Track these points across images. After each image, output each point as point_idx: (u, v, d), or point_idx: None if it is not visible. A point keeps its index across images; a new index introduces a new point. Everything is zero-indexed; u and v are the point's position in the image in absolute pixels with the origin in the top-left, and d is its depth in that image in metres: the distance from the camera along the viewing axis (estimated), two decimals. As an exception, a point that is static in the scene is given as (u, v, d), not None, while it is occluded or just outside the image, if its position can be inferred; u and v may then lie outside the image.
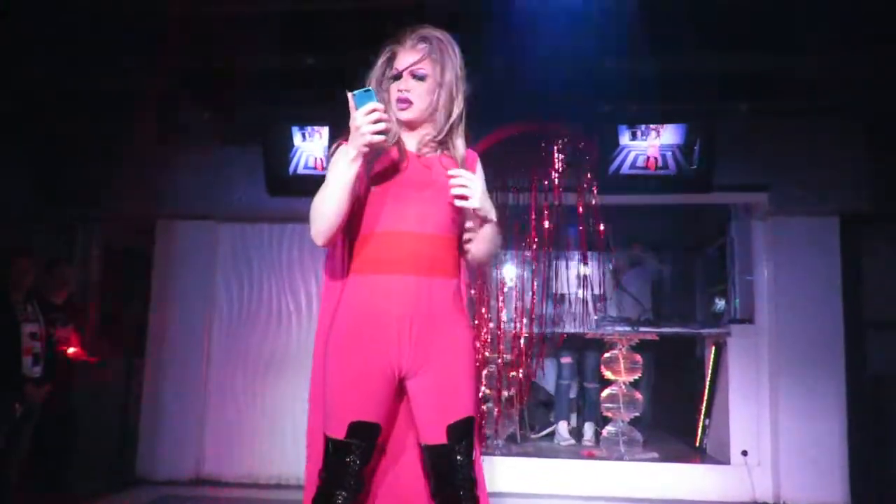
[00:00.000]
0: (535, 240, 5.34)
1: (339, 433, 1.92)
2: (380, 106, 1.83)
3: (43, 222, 5.44)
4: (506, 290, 5.59)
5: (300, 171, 5.24)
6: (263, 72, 4.87)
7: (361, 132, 1.82)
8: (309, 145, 5.26)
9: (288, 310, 5.52)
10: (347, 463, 1.92)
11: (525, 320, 5.39)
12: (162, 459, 5.38)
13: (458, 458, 1.96)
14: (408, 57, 2.02)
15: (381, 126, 1.83)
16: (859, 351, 5.06)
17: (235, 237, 5.67)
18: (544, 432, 6.39)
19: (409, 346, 1.95)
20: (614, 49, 4.36)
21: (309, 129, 5.25)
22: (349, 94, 1.84)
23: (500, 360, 5.48)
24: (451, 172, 1.95)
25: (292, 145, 5.27)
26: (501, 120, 4.93)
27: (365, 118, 1.81)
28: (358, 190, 1.97)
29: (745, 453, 5.15)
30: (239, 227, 5.66)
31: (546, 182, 5.24)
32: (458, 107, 2.06)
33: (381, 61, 2.07)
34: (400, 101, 2.02)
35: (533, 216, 5.30)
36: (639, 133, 5.06)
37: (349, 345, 1.96)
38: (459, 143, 2.08)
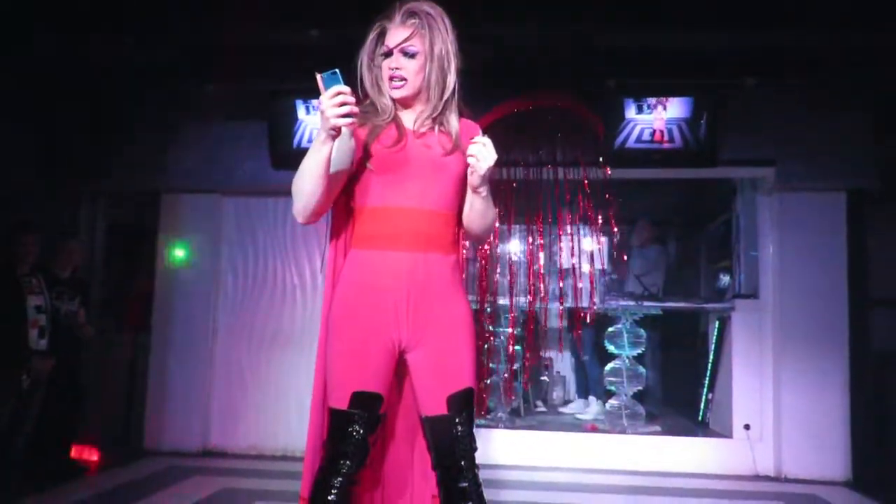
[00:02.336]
0: (540, 214, 5.34)
1: (343, 404, 1.95)
2: (345, 89, 1.81)
3: (48, 197, 5.44)
4: (512, 264, 5.58)
5: (304, 144, 5.24)
6: (267, 45, 4.84)
7: (327, 115, 1.81)
8: (313, 118, 5.25)
9: (293, 283, 5.54)
10: (351, 433, 1.94)
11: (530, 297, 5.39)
12: (169, 432, 5.44)
13: (459, 428, 1.98)
14: (398, 34, 2.00)
15: (346, 109, 1.81)
16: (863, 327, 5.05)
17: (240, 211, 5.68)
18: (565, 409, 6.44)
19: (407, 320, 1.98)
20: (621, 21, 4.32)
21: (313, 102, 5.23)
22: (317, 76, 1.83)
23: (506, 334, 5.50)
24: (474, 140, 1.96)
25: (296, 118, 5.27)
26: (505, 94, 4.90)
27: (330, 101, 1.80)
28: (351, 168, 1.99)
29: (747, 427, 5.18)
30: (243, 201, 5.67)
31: (551, 156, 5.22)
32: (451, 82, 2.05)
33: (371, 38, 2.06)
34: (392, 78, 2.02)
35: (538, 190, 5.29)
36: (645, 107, 5.03)
37: (349, 318, 1.99)
38: (453, 119, 2.07)
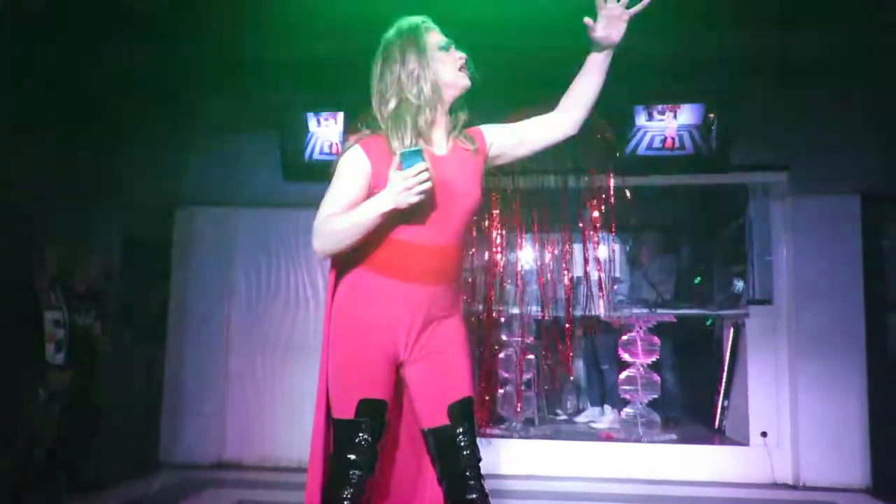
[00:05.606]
0: (552, 222, 5.33)
1: (349, 413, 1.96)
2: (428, 166, 1.84)
3: (64, 209, 5.48)
4: (522, 273, 5.57)
5: (316, 156, 5.29)
6: (279, 58, 4.87)
7: (412, 192, 1.83)
8: (324, 131, 5.30)
9: (305, 294, 5.55)
10: (359, 442, 1.95)
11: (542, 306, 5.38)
12: (184, 444, 5.45)
13: (461, 438, 1.99)
14: (441, 34, 2.08)
15: (429, 185, 1.84)
16: (880, 332, 5.00)
17: (253, 223, 5.70)
18: (579, 418, 6.42)
19: (408, 340, 2.01)
20: (630, 28, 4.31)
21: (324, 115, 5.28)
22: (398, 153, 1.86)
23: (519, 343, 5.49)
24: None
25: (307, 131, 5.30)
26: (514, 104, 4.90)
27: (416, 179, 1.82)
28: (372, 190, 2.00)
29: (764, 434, 5.13)
30: (257, 213, 5.69)
31: (562, 164, 5.22)
32: None
33: (419, 28, 2.05)
34: (465, 67, 2.05)
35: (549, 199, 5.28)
36: (655, 114, 5.02)
37: (352, 333, 2.00)
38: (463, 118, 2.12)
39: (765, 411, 5.20)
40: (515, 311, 5.44)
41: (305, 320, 5.51)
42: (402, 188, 1.82)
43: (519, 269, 5.54)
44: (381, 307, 1.99)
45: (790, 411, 5.11)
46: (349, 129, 5.12)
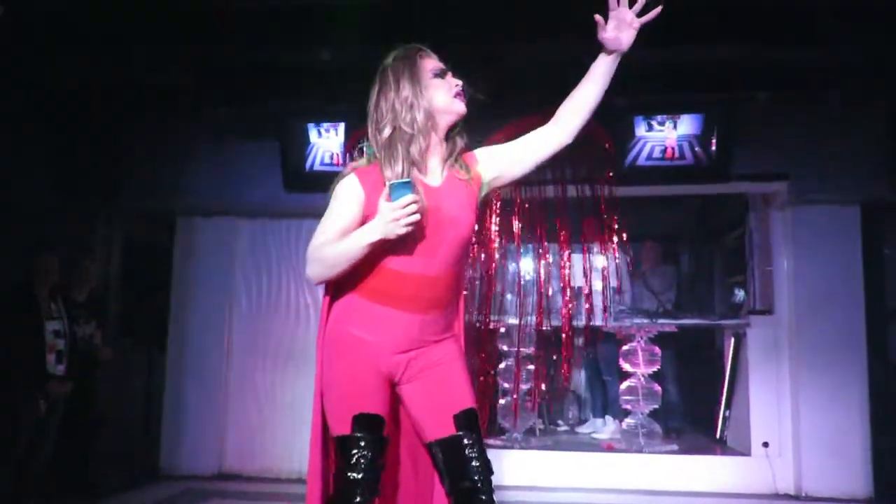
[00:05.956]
0: (552, 233, 5.32)
1: (345, 429, 1.95)
2: (417, 197, 1.85)
3: (64, 218, 5.49)
4: (522, 283, 5.57)
5: (317, 167, 5.30)
6: (280, 68, 4.89)
7: (400, 223, 1.84)
8: (325, 141, 5.31)
9: (306, 304, 5.55)
10: (359, 459, 1.93)
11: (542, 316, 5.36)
12: (185, 454, 5.44)
13: (469, 448, 1.96)
14: (438, 61, 2.07)
15: (417, 217, 1.85)
16: (881, 340, 5.00)
17: (254, 232, 5.72)
18: (581, 429, 6.40)
19: (400, 363, 2.02)
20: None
21: (325, 125, 5.29)
22: (388, 184, 1.87)
23: (518, 354, 5.47)
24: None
25: (308, 141, 5.32)
26: (513, 114, 4.92)
27: (404, 211, 1.83)
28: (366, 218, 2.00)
29: (766, 445, 5.12)
30: (257, 223, 5.71)
31: (560, 174, 5.22)
32: None
33: (415, 56, 2.06)
34: (460, 94, 2.05)
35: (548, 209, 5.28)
36: (655, 124, 5.04)
37: (345, 350, 2.01)
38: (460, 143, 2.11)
39: (766, 421, 5.19)
40: (515, 321, 5.43)
41: (306, 330, 5.50)
42: (391, 219, 1.84)
43: (518, 278, 5.54)
44: (373, 332, 1.99)
45: (792, 421, 5.10)
46: (349, 140, 5.15)
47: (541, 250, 5.39)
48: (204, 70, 4.98)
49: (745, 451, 5.29)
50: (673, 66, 4.73)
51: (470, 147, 2.14)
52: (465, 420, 1.98)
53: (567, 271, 5.37)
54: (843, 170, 5.04)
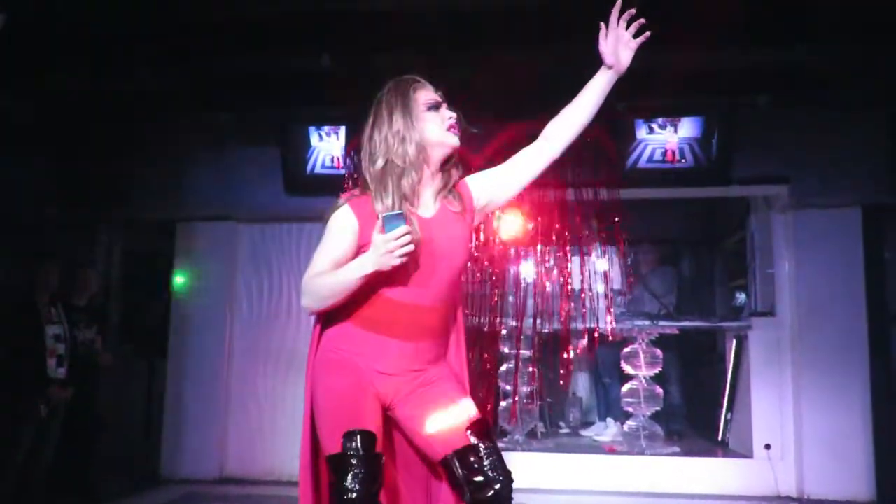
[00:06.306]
0: (553, 236, 5.32)
1: (336, 447, 1.93)
2: (410, 229, 1.87)
3: (65, 225, 5.50)
4: (523, 286, 5.56)
5: (317, 170, 5.29)
6: (280, 73, 4.90)
7: (393, 255, 1.85)
8: (326, 145, 5.31)
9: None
10: (353, 477, 1.88)
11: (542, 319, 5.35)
12: (185, 459, 5.44)
13: (486, 456, 1.96)
14: (435, 92, 2.08)
15: (411, 248, 1.87)
16: (883, 343, 4.99)
17: (254, 237, 5.72)
18: (583, 432, 6.39)
19: (390, 387, 2.03)
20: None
21: (326, 128, 5.29)
22: (380, 216, 1.90)
23: (517, 357, 5.47)
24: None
25: (309, 145, 5.32)
26: (515, 117, 4.92)
27: (397, 242, 1.84)
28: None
29: (767, 447, 5.11)
30: (258, 228, 5.71)
31: (562, 176, 5.21)
32: None
33: (408, 89, 2.06)
34: (453, 126, 2.05)
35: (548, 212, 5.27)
36: (656, 127, 5.04)
37: (335, 370, 2.02)
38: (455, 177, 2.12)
39: (768, 423, 5.18)
40: (515, 323, 5.43)
41: (307, 334, 5.39)
42: (384, 251, 1.85)
43: (520, 281, 5.53)
44: (364, 356, 2.01)
45: (794, 423, 5.10)
46: (350, 143, 5.14)
47: (541, 252, 5.38)
48: (204, 75, 4.98)
49: (746, 454, 5.28)
50: (674, 70, 4.73)
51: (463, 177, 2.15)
52: (478, 429, 1.97)
53: (567, 272, 5.36)
54: (844, 172, 5.04)
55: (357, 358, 2.01)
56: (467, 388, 2.13)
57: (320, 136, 5.31)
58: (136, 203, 5.68)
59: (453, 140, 2.04)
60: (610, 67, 2.05)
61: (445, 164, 2.08)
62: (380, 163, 2.00)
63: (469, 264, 4.75)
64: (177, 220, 5.75)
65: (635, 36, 2.03)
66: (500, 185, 2.15)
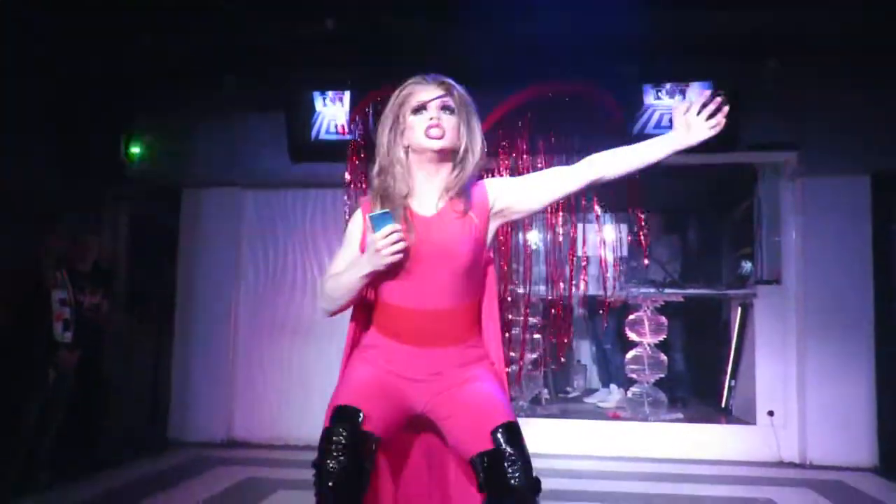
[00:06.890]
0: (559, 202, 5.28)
1: (326, 423, 1.92)
2: (398, 227, 1.87)
3: (70, 193, 5.49)
4: (530, 252, 5.55)
5: (322, 136, 5.26)
6: (284, 38, 4.85)
7: (383, 254, 1.86)
8: (330, 110, 5.27)
9: (313, 274, 5.56)
10: (332, 449, 1.85)
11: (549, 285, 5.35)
12: (193, 423, 5.50)
13: (511, 463, 1.87)
14: (431, 90, 2.00)
15: (401, 246, 1.87)
16: (889, 311, 4.98)
17: (260, 204, 5.72)
18: (588, 398, 6.42)
19: (418, 393, 2.00)
20: (639, 6, 4.28)
21: (330, 94, 5.25)
22: (366, 217, 1.92)
23: (525, 323, 5.48)
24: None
25: (314, 111, 5.28)
26: (524, 83, 4.86)
27: (385, 241, 1.85)
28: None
29: (771, 414, 5.14)
30: (263, 194, 5.70)
31: (568, 143, 5.18)
32: (478, 155, 2.04)
33: (399, 97, 2.03)
34: (432, 128, 1.97)
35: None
36: (664, 92, 4.98)
37: (362, 366, 2.03)
38: (466, 186, 2.04)
39: (772, 391, 5.21)
40: (521, 290, 5.43)
41: (313, 300, 5.52)
42: (374, 250, 1.87)
43: (525, 248, 5.51)
44: (392, 364, 2.01)
45: (797, 390, 5.12)
46: (355, 109, 5.10)
47: (547, 220, 5.36)
48: (208, 41, 4.93)
49: (750, 420, 5.31)
50: (682, 34, 4.66)
51: (480, 177, 2.10)
52: (505, 434, 1.90)
53: (573, 239, 5.34)
54: (854, 140, 4.98)
55: (387, 365, 2.01)
56: (506, 390, 2.09)
57: (325, 101, 5.27)
58: (141, 170, 5.67)
59: (429, 143, 1.97)
60: (675, 138, 2.01)
61: (455, 162, 2.02)
62: (377, 166, 2.06)
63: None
64: (182, 186, 5.74)
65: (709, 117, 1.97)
66: (525, 194, 2.08)
